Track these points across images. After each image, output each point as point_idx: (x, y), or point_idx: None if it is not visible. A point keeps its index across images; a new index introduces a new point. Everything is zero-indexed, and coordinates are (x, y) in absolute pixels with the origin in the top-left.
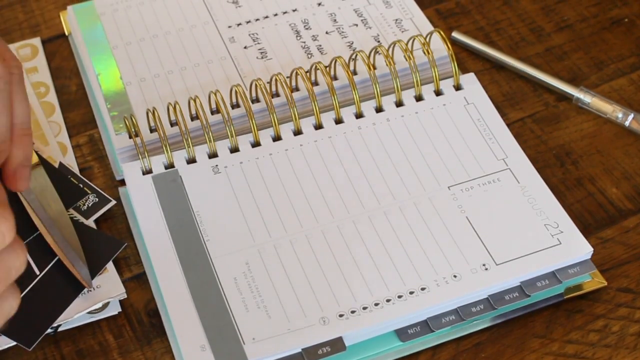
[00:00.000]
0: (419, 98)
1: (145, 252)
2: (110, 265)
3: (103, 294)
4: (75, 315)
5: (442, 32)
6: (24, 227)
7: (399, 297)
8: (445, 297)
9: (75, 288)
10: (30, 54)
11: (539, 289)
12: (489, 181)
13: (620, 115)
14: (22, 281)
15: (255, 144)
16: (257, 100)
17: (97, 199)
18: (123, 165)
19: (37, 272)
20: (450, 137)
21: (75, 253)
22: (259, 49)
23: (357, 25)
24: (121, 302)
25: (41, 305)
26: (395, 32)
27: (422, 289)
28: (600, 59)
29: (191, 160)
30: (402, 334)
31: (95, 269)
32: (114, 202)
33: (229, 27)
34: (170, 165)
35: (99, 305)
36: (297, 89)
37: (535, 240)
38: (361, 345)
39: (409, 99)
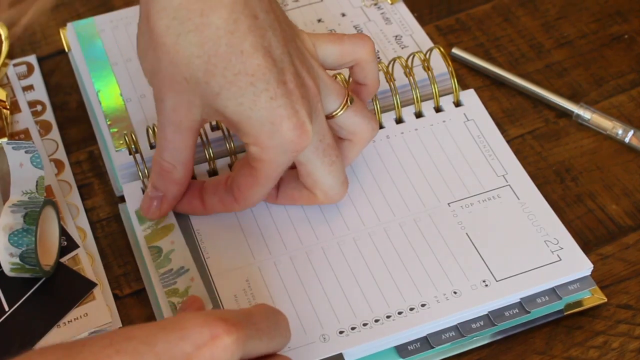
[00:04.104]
0: (418, 115)
1: (145, 268)
2: (98, 294)
3: (89, 323)
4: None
5: (442, 49)
6: None
7: (399, 313)
8: (445, 313)
9: (49, 320)
10: (26, 71)
11: (539, 305)
12: (489, 197)
13: (620, 131)
14: None
15: None
16: None
17: (65, 242)
18: (124, 186)
19: (7, 309)
20: (450, 153)
21: None
22: None
23: None
24: (121, 318)
25: (14, 337)
26: (395, 48)
27: (422, 305)
28: (600, 75)
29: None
30: (402, 350)
31: (65, 308)
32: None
33: None
34: None
35: (85, 334)
36: None
37: (535, 256)
38: None
39: (408, 116)
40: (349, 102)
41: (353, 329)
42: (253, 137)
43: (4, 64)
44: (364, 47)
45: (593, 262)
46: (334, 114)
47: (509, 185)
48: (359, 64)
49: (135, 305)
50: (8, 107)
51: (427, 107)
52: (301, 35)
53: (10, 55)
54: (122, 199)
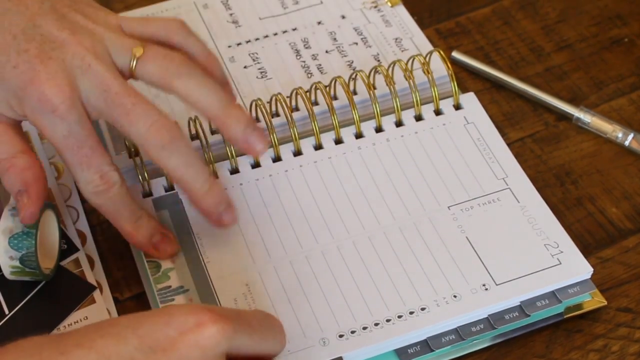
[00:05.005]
0: (418, 118)
1: (145, 271)
2: (98, 297)
3: None
4: None
5: (441, 52)
6: None
7: (399, 317)
8: (445, 317)
9: (49, 324)
10: None
11: (538, 308)
12: (489, 201)
13: (620, 135)
14: None
15: (255, 165)
16: (257, 120)
17: (65, 245)
18: None
19: (7, 312)
20: (450, 156)
21: None
22: (259, 69)
23: (357, 43)
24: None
25: (14, 340)
26: (395, 51)
27: (422, 309)
28: (600, 78)
29: None
30: (402, 353)
31: (65, 311)
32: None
33: (229, 46)
34: (170, 188)
35: None
36: (297, 109)
37: (535, 260)
38: None
39: (408, 119)
40: (135, 52)
41: (353, 332)
42: (20, 110)
43: None
44: (168, 29)
45: (593, 266)
46: (131, 69)
47: (509, 188)
48: (174, 43)
49: (135, 308)
50: None
51: (427, 110)
52: (98, 14)
53: None
54: None
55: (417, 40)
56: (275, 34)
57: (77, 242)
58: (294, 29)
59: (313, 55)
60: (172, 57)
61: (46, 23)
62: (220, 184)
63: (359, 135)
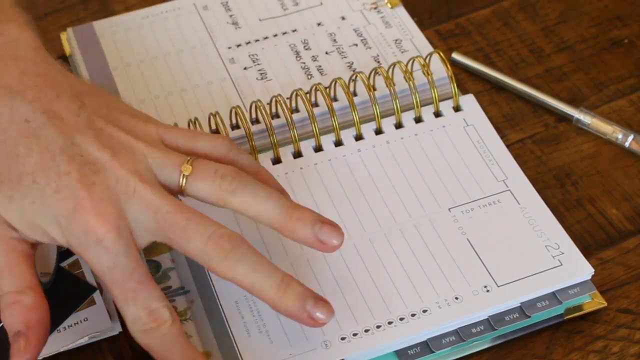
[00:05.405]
0: (418, 120)
1: None
2: (98, 298)
3: (89, 327)
4: (61, 349)
5: (441, 53)
6: None
7: (401, 319)
8: (447, 318)
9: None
10: None
11: (539, 309)
12: (489, 202)
13: (620, 136)
14: None
15: None
16: (257, 121)
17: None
18: None
19: None
20: (450, 158)
21: None
22: (259, 70)
23: (356, 45)
24: (122, 322)
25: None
26: (395, 52)
27: (424, 310)
28: (600, 80)
29: None
30: (402, 354)
31: (65, 313)
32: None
33: (229, 48)
34: None
35: (85, 338)
36: (297, 110)
37: (536, 261)
38: None
39: (408, 121)
40: (183, 171)
41: (355, 335)
42: (63, 239)
43: None
44: (215, 148)
45: (593, 267)
46: (181, 187)
47: (509, 190)
48: (223, 160)
49: None
50: None
51: (427, 112)
52: (136, 127)
53: None
54: None
55: (417, 41)
56: (275, 35)
57: None
58: (294, 30)
59: (313, 56)
60: (223, 174)
61: (85, 141)
62: (296, 281)
63: (358, 137)
